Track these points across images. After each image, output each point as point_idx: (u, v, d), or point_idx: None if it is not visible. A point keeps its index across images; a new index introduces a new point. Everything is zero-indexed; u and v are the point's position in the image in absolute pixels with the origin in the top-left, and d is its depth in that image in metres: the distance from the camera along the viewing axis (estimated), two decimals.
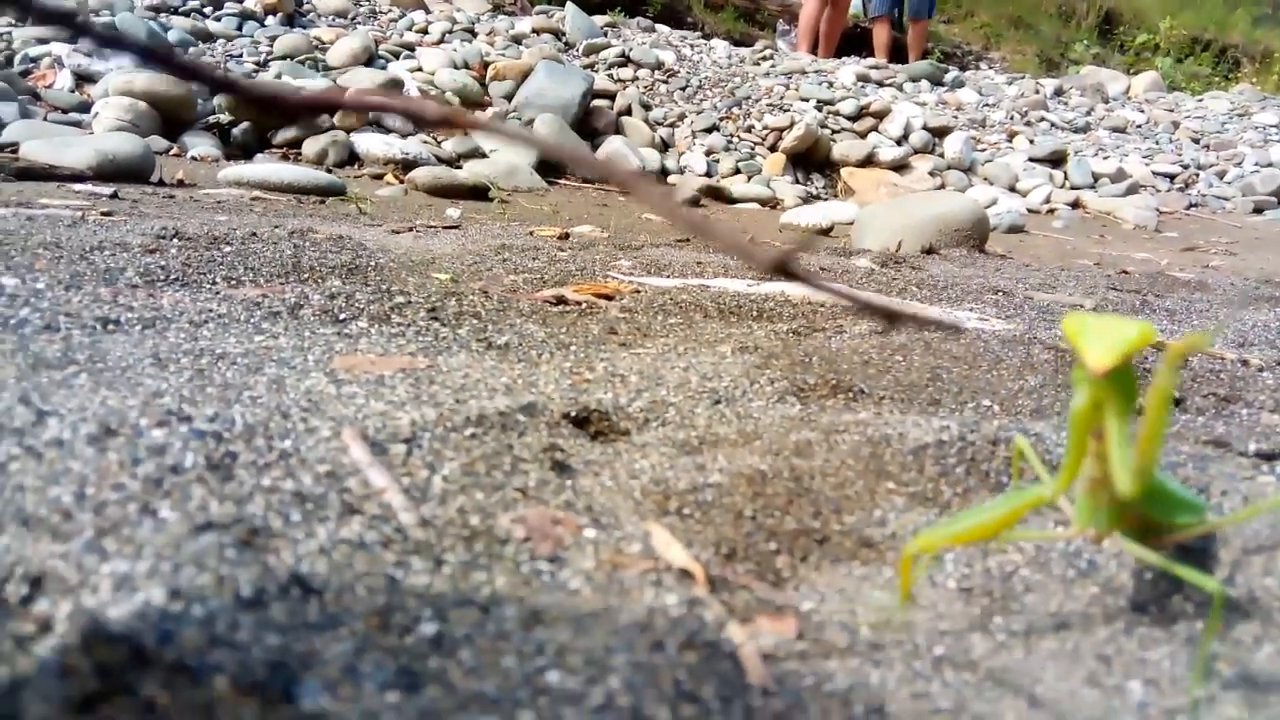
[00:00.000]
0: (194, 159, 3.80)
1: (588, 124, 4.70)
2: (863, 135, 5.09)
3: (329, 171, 3.67)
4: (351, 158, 4.04)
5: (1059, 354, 1.31)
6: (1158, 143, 6.00)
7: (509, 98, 4.74)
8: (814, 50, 6.76)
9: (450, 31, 5.41)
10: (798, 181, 4.77)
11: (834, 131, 5.06)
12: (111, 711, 0.33)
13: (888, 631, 0.49)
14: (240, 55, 4.77)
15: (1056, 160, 5.36)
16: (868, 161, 4.86)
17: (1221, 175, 5.56)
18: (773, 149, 4.88)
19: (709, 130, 4.97)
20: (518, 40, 5.44)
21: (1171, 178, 5.53)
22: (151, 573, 0.42)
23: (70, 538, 0.48)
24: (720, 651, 0.44)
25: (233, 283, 1.37)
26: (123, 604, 0.39)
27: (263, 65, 4.72)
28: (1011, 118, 5.96)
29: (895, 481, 0.72)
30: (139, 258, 1.49)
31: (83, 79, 4.32)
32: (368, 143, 3.98)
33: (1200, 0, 10.07)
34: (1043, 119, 6.02)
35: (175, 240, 1.70)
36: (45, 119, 3.83)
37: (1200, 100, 7.05)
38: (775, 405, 0.95)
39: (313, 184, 3.22)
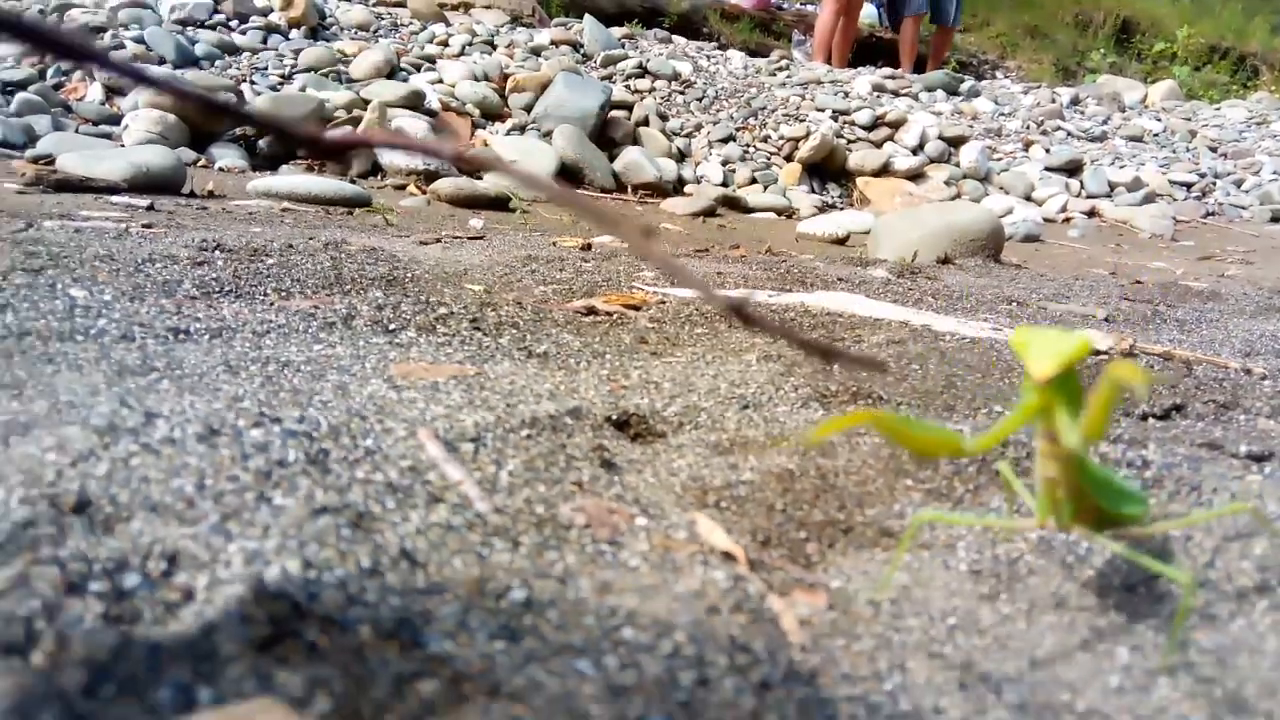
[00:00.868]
0: (221, 170, 3.90)
1: (606, 134, 4.78)
2: (878, 145, 5.15)
3: (353, 182, 3.76)
4: (375, 169, 4.13)
5: None
6: (1174, 151, 6.03)
7: (528, 109, 4.83)
8: (829, 60, 6.83)
9: (470, 44, 5.52)
10: (813, 191, 4.84)
11: (850, 141, 5.13)
12: (285, 652, 0.41)
13: (906, 604, 0.57)
14: (265, 68, 4.88)
15: (1073, 169, 5.41)
16: (883, 171, 4.93)
17: (1239, 184, 5.58)
18: (789, 159, 4.95)
19: (725, 140, 5.04)
20: (536, 52, 5.54)
21: (1188, 186, 5.55)
22: (280, 549, 0.49)
23: (197, 522, 0.55)
24: (764, 617, 0.51)
25: (283, 294, 1.45)
26: (268, 572, 0.47)
27: (287, 78, 4.83)
28: (1027, 127, 6.01)
29: (913, 479, 0.79)
30: (189, 270, 1.58)
31: (112, 92, 4.43)
32: (391, 154, 4.07)
33: (1218, 8, 10.08)
34: (1059, 128, 6.07)
35: (218, 252, 1.79)
36: (77, 131, 3.94)
37: (1218, 108, 7.08)
38: (800, 410, 1.01)
39: (339, 195, 3.31)
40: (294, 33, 5.34)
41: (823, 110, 5.29)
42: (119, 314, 1.19)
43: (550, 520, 0.61)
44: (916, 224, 3.03)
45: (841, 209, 4.66)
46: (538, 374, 1.06)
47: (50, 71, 4.49)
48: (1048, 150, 5.60)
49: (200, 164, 3.92)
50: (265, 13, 5.35)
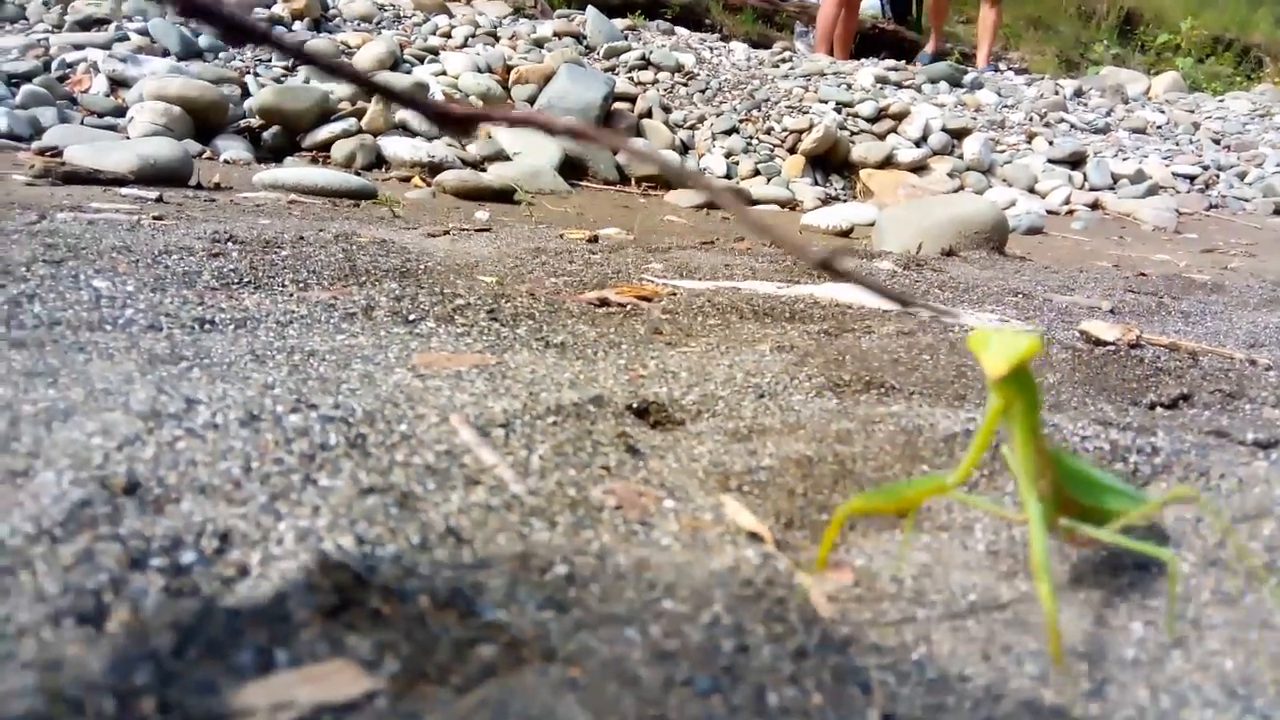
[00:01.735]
0: (226, 162, 3.91)
1: (609, 126, 4.79)
2: (881, 137, 5.16)
3: (358, 174, 3.77)
4: (379, 161, 4.14)
5: (1075, 353, 1.39)
6: (1178, 144, 6.04)
7: (532, 101, 4.84)
8: (831, 52, 6.84)
9: (473, 35, 5.52)
10: (817, 183, 4.86)
11: (853, 133, 5.14)
12: (351, 618, 0.43)
13: (928, 580, 0.59)
14: (269, 60, 4.89)
15: (1076, 162, 5.41)
16: (887, 163, 4.94)
17: (1242, 176, 5.59)
18: (792, 151, 4.96)
19: (728, 132, 5.06)
20: (539, 44, 5.54)
21: (1191, 179, 5.56)
22: (332, 526, 0.51)
23: (245, 502, 0.57)
24: (795, 592, 0.53)
25: (301, 285, 1.47)
26: (324, 547, 0.49)
27: (290, 70, 4.83)
28: (1031, 119, 6.02)
29: (928, 465, 0.82)
30: (206, 261, 1.60)
31: (117, 84, 4.44)
32: (395, 146, 4.08)
33: (1222, 0, 10.07)
34: (1062, 120, 6.08)
35: (231, 244, 1.81)
36: (82, 123, 3.95)
37: (1221, 101, 7.08)
38: (814, 399, 1.04)
39: (345, 187, 3.32)
40: (297, 24, 5.35)
41: (826, 102, 5.30)
42: (144, 304, 1.21)
43: (583, 502, 0.63)
44: (921, 216, 3.04)
45: (845, 201, 4.68)
46: (557, 363, 1.08)
47: (55, 64, 4.50)
48: (1051, 142, 5.60)
49: (206, 156, 3.93)
50: (269, 4, 5.36)
